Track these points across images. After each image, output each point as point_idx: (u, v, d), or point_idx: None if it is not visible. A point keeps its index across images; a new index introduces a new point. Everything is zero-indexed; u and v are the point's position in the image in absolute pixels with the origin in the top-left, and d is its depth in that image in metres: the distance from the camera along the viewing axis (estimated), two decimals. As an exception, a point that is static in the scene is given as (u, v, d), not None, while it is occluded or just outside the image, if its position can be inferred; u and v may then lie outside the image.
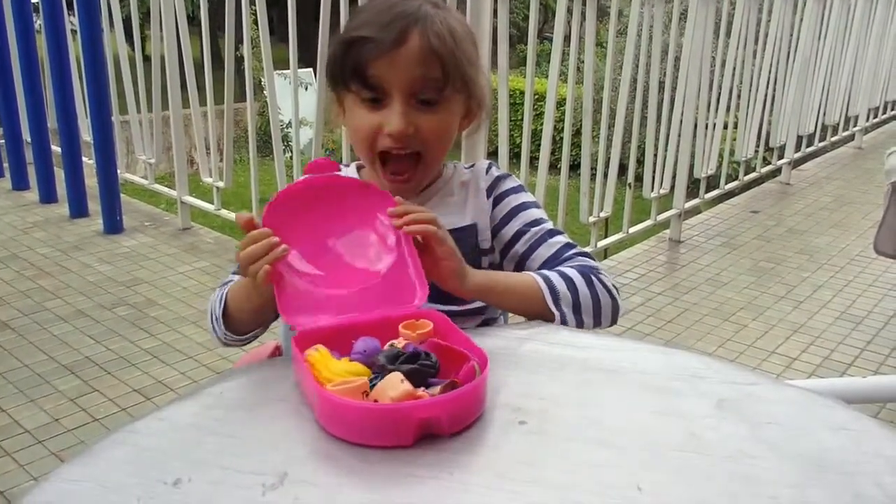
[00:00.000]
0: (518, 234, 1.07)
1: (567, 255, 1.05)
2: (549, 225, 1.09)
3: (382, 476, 0.68)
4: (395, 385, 0.72)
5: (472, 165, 1.13)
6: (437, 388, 0.75)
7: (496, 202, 1.09)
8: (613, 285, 1.02)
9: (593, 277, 1.01)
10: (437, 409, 0.71)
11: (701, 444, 0.73)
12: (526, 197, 1.10)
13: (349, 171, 1.12)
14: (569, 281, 0.99)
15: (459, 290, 0.95)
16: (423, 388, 0.75)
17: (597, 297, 1.00)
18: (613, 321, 1.02)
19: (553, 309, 0.97)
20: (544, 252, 1.06)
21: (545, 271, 1.01)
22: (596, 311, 1.00)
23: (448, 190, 1.10)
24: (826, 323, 2.69)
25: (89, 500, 0.67)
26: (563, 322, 0.98)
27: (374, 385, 0.74)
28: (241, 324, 0.97)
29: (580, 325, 0.99)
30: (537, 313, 0.98)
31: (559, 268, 1.02)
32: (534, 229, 1.07)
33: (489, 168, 1.12)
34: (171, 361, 2.31)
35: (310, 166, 0.94)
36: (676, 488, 0.67)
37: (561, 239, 1.07)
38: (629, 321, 2.68)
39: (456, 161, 1.15)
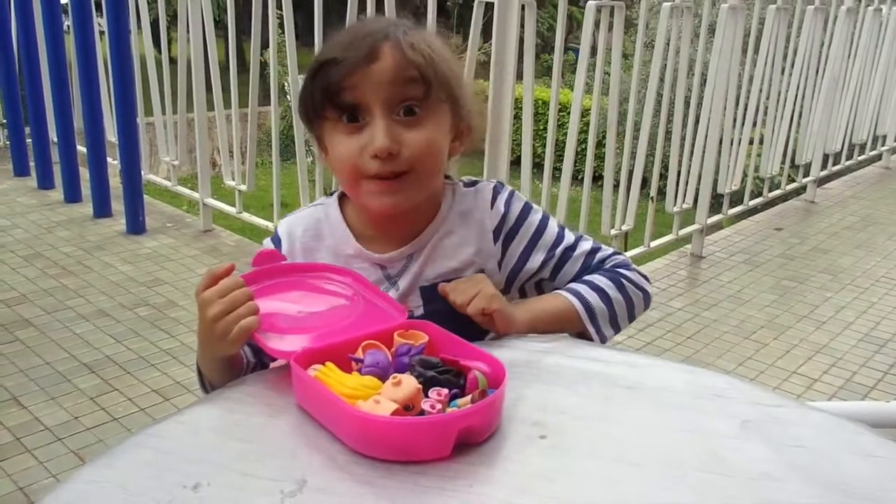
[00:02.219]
0: (543, 264, 1.03)
1: (593, 263, 1.04)
2: (570, 237, 1.04)
3: (401, 487, 0.68)
4: (409, 384, 0.73)
5: (474, 184, 1.05)
6: (468, 399, 0.75)
7: (507, 240, 1.02)
8: (643, 275, 1.04)
9: (623, 280, 1.01)
10: (475, 417, 0.72)
11: (724, 465, 0.72)
12: (536, 216, 1.03)
13: (330, 203, 1.04)
14: (601, 293, 0.99)
15: (508, 333, 0.96)
16: (437, 394, 0.74)
17: (629, 299, 1.01)
18: (646, 309, 1.04)
19: (592, 330, 0.98)
20: (570, 269, 1.03)
21: (576, 287, 1.00)
22: (630, 312, 1.01)
23: (446, 229, 1.01)
24: (849, 345, 2.65)
25: (109, 502, 0.67)
26: (602, 339, 0.99)
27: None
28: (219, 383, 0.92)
29: (617, 331, 1.00)
30: (575, 333, 1.00)
31: (588, 278, 1.02)
32: (556, 251, 1.03)
33: (494, 198, 1.03)
34: (189, 363, 2.32)
35: (257, 258, 0.93)
36: (699, 510, 0.66)
37: (584, 246, 1.04)
38: (649, 336, 2.66)
39: (454, 182, 1.05)
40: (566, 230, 1.05)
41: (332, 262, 1.00)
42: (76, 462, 1.86)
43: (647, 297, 1.03)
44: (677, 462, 0.73)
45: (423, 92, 0.92)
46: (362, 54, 0.90)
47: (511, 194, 1.04)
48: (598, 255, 1.04)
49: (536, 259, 1.02)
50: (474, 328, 0.97)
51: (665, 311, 2.85)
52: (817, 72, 4.04)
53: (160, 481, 0.69)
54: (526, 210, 1.03)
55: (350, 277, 0.94)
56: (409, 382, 0.73)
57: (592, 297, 0.99)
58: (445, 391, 0.74)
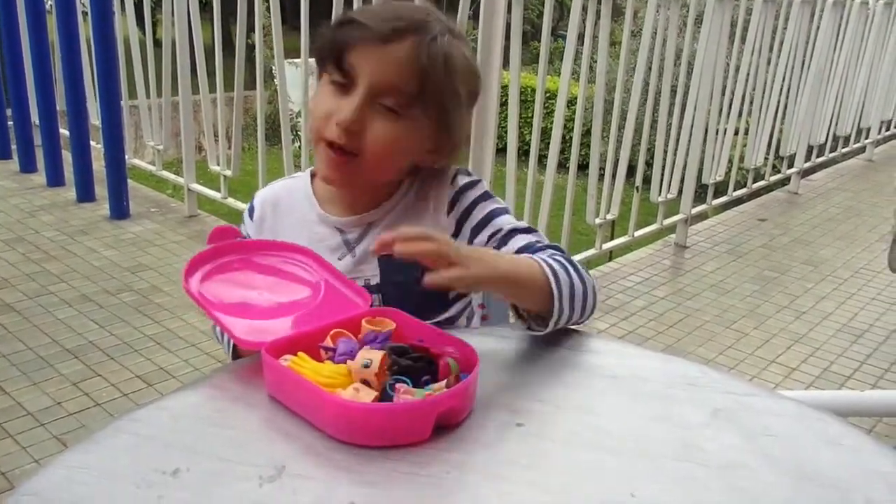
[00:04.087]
0: (489, 239, 0.99)
1: (540, 246, 0.96)
2: (521, 223, 1.01)
3: (378, 472, 0.69)
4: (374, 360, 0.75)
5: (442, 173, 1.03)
6: (442, 384, 0.76)
7: (462, 217, 1.01)
8: (593, 284, 0.95)
9: (578, 269, 0.94)
10: (453, 400, 0.74)
11: (696, 453, 0.74)
12: (494, 204, 1.02)
13: (303, 178, 1.07)
14: (565, 269, 0.91)
15: (489, 280, 0.86)
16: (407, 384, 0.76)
17: (585, 288, 0.92)
18: (592, 314, 0.95)
19: (557, 304, 0.88)
20: (515, 244, 0.97)
21: (545, 258, 0.92)
22: (584, 302, 0.92)
23: (403, 206, 1.02)
24: (827, 335, 2.69)
25: (89, 487, 0.67)
26: (559, 317, 0.89)
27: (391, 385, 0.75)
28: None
29: (570, 319, 0.91)
30: (534, 303, 0.90)
31: (553, 256, 0.94)
32: (504, 228, 0.99)
33: (455, 176, 1.03)
34: (173, 348, 2.32)
35: (212, 235, 0.93)
36: (670, 497, 0.68)
37: (533, 237, 0.98)
38: (631, 324, 2.68)
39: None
40: (524, 223, 1.02)
41: (298, 228, 1.02)
42: (59, 447, 1.87)
43: (595, 299, 0.95)
44: (651, 450, 0.74)
45: (411, 99, 0.93)
46: (383, 32, 0.91)
47: (475, 179, 1.03)
48: (547, 243, 0.98)
49: (483, 236, 0.99)
50: (431, 301, 0.99)
51: (648, 300, 2.88)
52: (803, 64, 4.07)
53: (139, 467, 0.69)
54: (483, 195, 1.02)
55: (311, 258, 0.94)
56: (374, 356, 0.75)
57: (560, 271, 0.90)
58: (405, 386, 0.75)
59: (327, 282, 0.92)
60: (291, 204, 1.06)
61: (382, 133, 0.93)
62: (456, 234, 1.01)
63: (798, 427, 0.79)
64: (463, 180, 1.03)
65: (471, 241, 1.00)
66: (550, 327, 0.90)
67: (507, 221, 1.00)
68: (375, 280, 1.01)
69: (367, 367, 0.74)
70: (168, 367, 2.23)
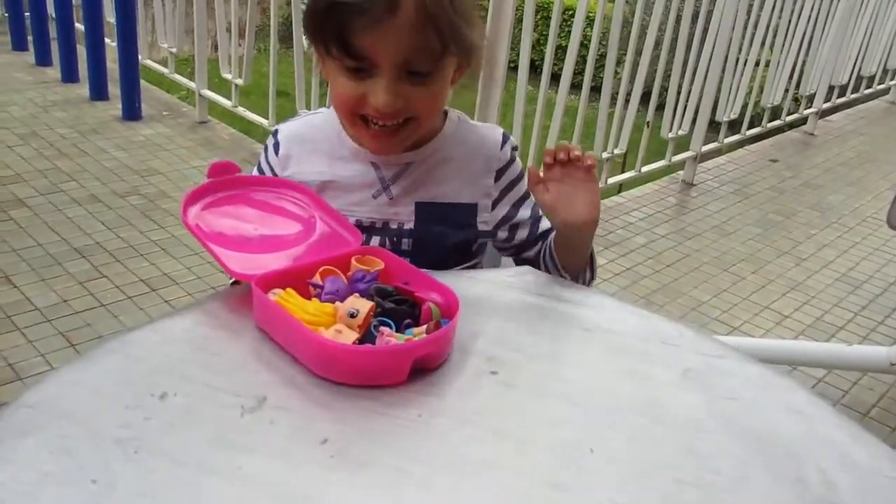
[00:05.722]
0: (531, 220, 1.08)
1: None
2: (539, 211, 1.10)
3: (353, 411, 0.73)
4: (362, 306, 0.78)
5: (483, 125, 1.08)
6: (423, 329, 0.79)
7: (507, 187, 1.06)
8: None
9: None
10: (431, 346, 0.77)
11: (660, 411, 0.77)
12: (525, 183, 1.08)
13: (326, 113, 1.05)
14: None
15: (592, 231, 1.01)
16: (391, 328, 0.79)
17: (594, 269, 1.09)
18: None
19: (588, 273, 1.07)
20: (543, 225, 1.10)
21: None
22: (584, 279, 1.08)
23: (445, 153, 1.03)
24: (825, 283, 2.70)
25: (82, 402, 0.71)
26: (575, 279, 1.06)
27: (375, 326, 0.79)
28: None
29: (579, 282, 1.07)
30: (572, 265, 1.05)
31: None
32: (540, 225, 1.09)
33: (504, 143, 1.06)
34: (177, 255, 2.37)
35: (211, 170, 0.93)
36: (626, 453, 0.71)
37: (546, 224, 1.12)
38: (629, 261, 2.70)
39: (461, 113, 1.07)
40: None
41: (327, 162, 1.02)
42: (64, 343, 1.94)
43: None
44: (617, 406, 0.77)
45: (438, 54, 0.90)
46: (383, 4, 0.86)
47: (516, 148, 1.09)
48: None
49: (525, 212, 1.08)
50: (458, 251, 1.02)
51: (648, 238, 2.89)
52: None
53: (130, 388, 0.73)
54: (522, 171, 1.08)
55: (307, 196, 0.96)
56: (361, 307, 0.77)
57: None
58: (389, 329, 0.78)
59: (322, 219, 0.94)
60: (318, 140, 1.04)
61: (423, 97, 0.93)
62: (497, 202, 1.06)
63: (763, 393, 0.82)
64: (509, 149, 1.06)
65: (515, 213, 1.07)
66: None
67: (534, 203, 1.08)
68: (410, 225, 1.01)
69: (352, 316, 0.77)
70: (172, 274, 2.28)
